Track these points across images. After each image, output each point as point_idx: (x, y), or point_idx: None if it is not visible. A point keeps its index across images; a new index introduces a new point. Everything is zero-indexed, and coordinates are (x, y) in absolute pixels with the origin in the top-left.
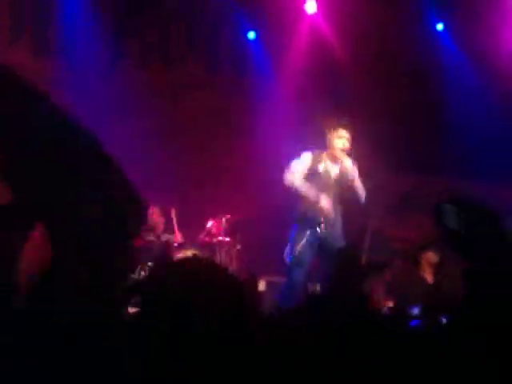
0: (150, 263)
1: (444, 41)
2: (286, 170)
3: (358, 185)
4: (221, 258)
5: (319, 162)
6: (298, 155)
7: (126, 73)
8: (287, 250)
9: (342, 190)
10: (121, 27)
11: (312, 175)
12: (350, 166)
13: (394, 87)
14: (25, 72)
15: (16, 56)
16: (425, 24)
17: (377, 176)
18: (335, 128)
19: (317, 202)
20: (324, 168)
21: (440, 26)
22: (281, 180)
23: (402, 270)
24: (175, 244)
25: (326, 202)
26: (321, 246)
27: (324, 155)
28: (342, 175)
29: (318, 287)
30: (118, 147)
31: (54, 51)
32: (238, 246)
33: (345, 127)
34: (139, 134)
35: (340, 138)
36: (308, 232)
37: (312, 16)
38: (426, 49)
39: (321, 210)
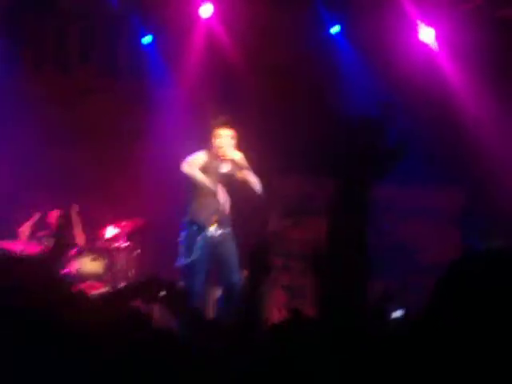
0: None
1: (340, 44)
2: (182, 162)
3: (250, 177)
4: (120, 263)
5: (210, 162)
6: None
7: (21, 79)
8: (180, 250)
9: (232, 188)
10: (14, 31)
11: (205, 171)
12: (237, 159)
13: (290, 92)
14: None
15: None
16: (321, 26)
17: (273, 178)
18: (214, 127)
19: (214, 193)
20: (214, 167)
21: (336, 29)
22: (178, 181)
23: (301, 273)
24: (74, 250)
25: (222, 193)
26: (215, 250)
27: (211, 154)
28: (230, 173)
29: (219, 292)
30: (12, 154)
31: None
32: (138, 251)
33: (223, 126)
34: (36, 139)
35: (219, 136)
36: (199, 238)
37: (207, 20)
38: (322, 52)
39: (216, 201)
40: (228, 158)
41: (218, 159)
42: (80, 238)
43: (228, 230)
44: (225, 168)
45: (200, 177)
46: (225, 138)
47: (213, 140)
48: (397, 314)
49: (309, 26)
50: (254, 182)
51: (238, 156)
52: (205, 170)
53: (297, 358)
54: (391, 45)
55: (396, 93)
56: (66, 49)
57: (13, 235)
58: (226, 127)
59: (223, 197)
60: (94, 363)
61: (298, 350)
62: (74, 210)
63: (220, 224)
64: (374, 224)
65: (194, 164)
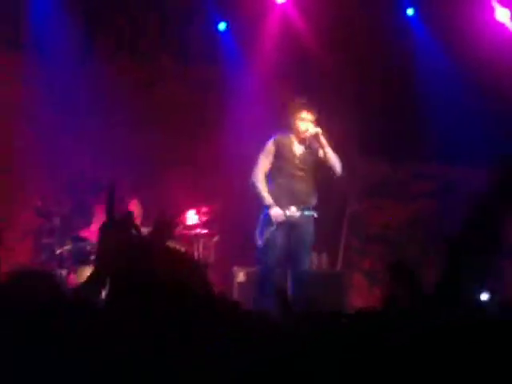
0: None
1: (415, 26)
2: (254, 167)
3: (330, 155)
4: (199, 250)
5: (284, 146)
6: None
7: (96, 66)
8: (257, 233)
9: (313, 170)
10: (90, 21)
11: (279, 161)
12: (319, 134)
13: (366, 75)
14: None
15: None
16: (396, 9)
17: (352, 161)
18: (297, 110)
19: (269, 207)
20: (289, 151)
21: (411, 11)
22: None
23: (380, 257)
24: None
25: (276, 212)
26: (292, 231)
27: (290, 138)
28: (309, 153)
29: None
30: (91, 140)
31: (24, 47)
32: (216, 238)
33: (307, 108)
34: (112, 126)
35: (302, 120)
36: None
37: (282, 5)
38: (397, 34)
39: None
40: (310, 134)
41: (298, 143)
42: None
43: (309, 212)
44: (299, 151)
45: (259, 191)
46: (306, 123)
47: (292, 124)
48: (484, 297)
49: (384, 8)
50: (335, 161)
51: (320, 131)
52: (276, 160)
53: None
54: (467, 25)
55: (471, 75)
56: (142, 36)
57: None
58: (308, 110)
59: (278, 212)
60: None
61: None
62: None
63: (300, 205)
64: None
65: (261, 169)
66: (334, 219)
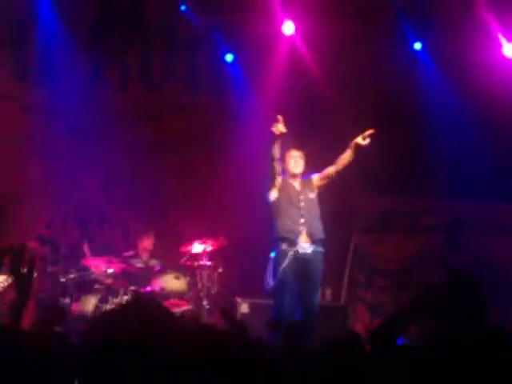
0: (132, 287)
1: (422, 60)
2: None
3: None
4: (203, 281)
5: (288, 183)
6: None
7: (106, 95)
8: (268, 273)
9: (317, 204)
10: (100, 50)
11: (284, 199)
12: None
13: (372, 109)
14: (5, 96)
15: None
16: (403, 43)
17: (356, 195)
18: (287, 149)
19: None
20: (290, 187)
21: (418, 46)
22: (261, 200)
23: (383, 290)
24: (157, 267)
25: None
26: (304, 268)
27: (285, 177)
28: (306, 185)
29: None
30: (98, 170)
31: (33, 75)
32: (220, 269)
33: (297, 148)
34: (120, 156)
35: (292, 157)
36: (290, 252)
37: (290, 37)
38: (404, 69)
39: (300, 212)
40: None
41: (292, 180)
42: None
43: (320, 248)
44: (297, 186)
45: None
46: (295, 159)
47: (284, 162)
48: None
49: (392, 42)
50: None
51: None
52: (286, 192)
53: None
54: (475, 61)
55: (477, 110)
56: (150, 67)
57: (99, 252)
58: (297, 149)
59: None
60: None
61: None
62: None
63: (311, 238)
64: (456, 241)
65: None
66: (338, 252)
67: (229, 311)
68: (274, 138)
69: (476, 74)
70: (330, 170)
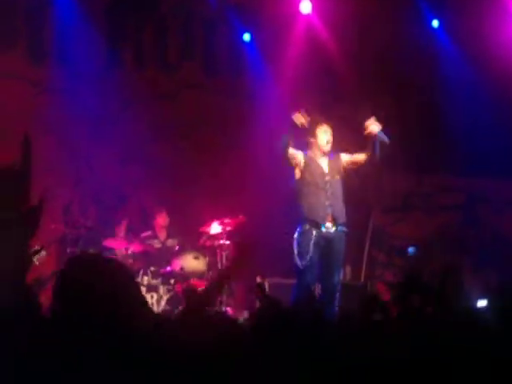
0: (152, 268)
1: (440, 38)
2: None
3: (355, 154)
4: (222, 261)
5: (312, 161)
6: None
7: (122, 76)
8: (296, 253)
9: (341, 184)
10: (115, 31)
11: (308, 177)
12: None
13: (391, 87)
14: (23, 80)
15: (12, 64)
16: (420, 21)
17: (377, 175)
18: (316, 125)
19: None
20: (317, 168)
21: (436, 23)
22: (279, 180)
23: (402, 269)
24: (177, 247)
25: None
26: (327, 247)
27: (314, 152)
28: (335, 165)
29: (319, 288)
30: (115, 151)
31: (49, 57)
32: None
33: (325, 121)
34: (137, 137)
35: (324, 132)
36: (314, 232)
37: (307, 16)
38: (421, 46)
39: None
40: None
41: (320, 156)
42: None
43: (342, 228)
44: (325, 165)
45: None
46: (327, 134)
47: (315, 138)
48: (482, 303)
49: (409, 20)
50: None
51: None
52: (310, 171)
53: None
54: (490, 36)
55: (497, 86)
56: (167, 47)
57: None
58: (324, 122)
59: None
60: None
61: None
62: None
63: (335, 221)
64: (475, 219)
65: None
66: (358, 232)
67: (262, 286)
68: (292, 126)
69: (493, 51)
70: (360, 157)
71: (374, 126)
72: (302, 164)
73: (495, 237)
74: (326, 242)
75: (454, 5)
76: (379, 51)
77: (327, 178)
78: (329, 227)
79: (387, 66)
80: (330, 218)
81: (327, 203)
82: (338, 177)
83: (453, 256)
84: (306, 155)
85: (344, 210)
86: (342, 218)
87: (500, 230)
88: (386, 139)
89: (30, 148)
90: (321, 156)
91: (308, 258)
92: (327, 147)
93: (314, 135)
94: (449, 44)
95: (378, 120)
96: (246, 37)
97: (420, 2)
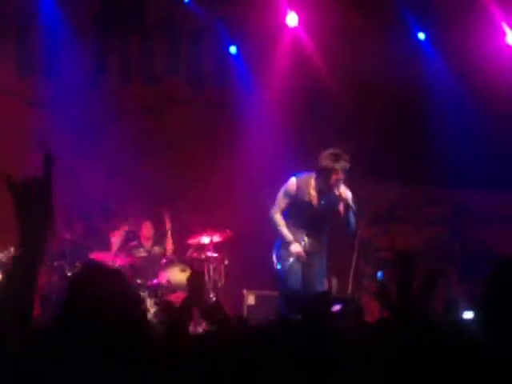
0: (138, 281)
1: (426, 50)
2: (271, 208)
3: (351, 218)
4: (209, 273)
5: (305, 189)
6: (282, 172)
7: (108, 89)
8: (275, 257)
9: (327, 221)
10: (102, 44)
11: (297, 202)
12: (345, 198)
13: (377, 99)
14: (9, 92)
15: (0, 78)
16: (407, 34)
17: (363, 186)
18: (332, 161)
19: (289, 243)
20: (309, 198)
21: (422, 36)
22: (265, 194)
23: (391, 281)
24: (164, 260)
25: (296, 248)
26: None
27: (312, 183)
28: (330, 208)
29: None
30: (103, 162)
31: (35, 71)
32: (226, 262)
33: (341, 159)
34: (124, 149)
35: (338, 173)
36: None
37: (293, 29)
38: (407, 59)
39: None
40: (340, 195)
41: (319, 189)
42: (169, 247)
43: (321, 241)
44: (320, 201)
45: (279, 227)
46: (341, 173)
47: (324, 173)
48: (468, 314)
49: (395, 33)
50: (352, 222)
51: (349, 196)
52: (294, 200)
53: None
54: (479, 50)
55: (482, 99)
56: (153, 60)
57: (105, 246)
58: (342, 161)
59: (298, 248)
60: None
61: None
62: (167, 216)
63: (312, 236)
64: (461, 231)
65: (280, 205)
66: (345, 244)
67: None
68: None
69: (480, 63)
70: None
71: (343, 191)
72: (293, 194)
73: (481, 249)
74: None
75: (440, 18)
76: (365, 64)
77: (315, 212)
78: (305, 241)
79: (373, 78)
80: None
81: (296, 251)
82: (324, 216)
83: (438, 267)
84: (297, 182)
85: (325, 233)
86: (320, 235)
87: (486, 242)
88: (352, 208)
89: (52, 162)
90: (322, 189)
91: (288, 263)
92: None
93: (327, 169)
94: (435, 56)
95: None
96: (233, 49)
97: (406, 15)
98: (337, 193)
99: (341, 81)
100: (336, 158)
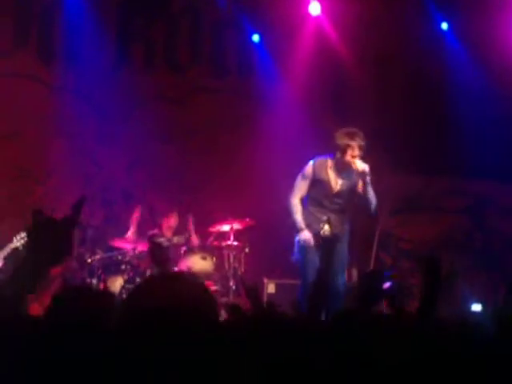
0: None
1: (449, 40)
2: (290, 193)
3: (370, 195)
4: (229, 261)
5: (322, 170)
6: (305, 161)
7: (131, 77)
8: (295, 250)
9: (348, 199)
10: (125, 31)
11: (315, 184)
12: (362, 170)
13: (399, 88)
14: (31, 76)
15: (21, 62)
16: (429, 23)
17: (383, 177)
18: (347, 138)
19: (300, 230)
20: (327, 177)
21: (445, 26)
22: (287, 182)
23: (410, 271)
24: (184, 248)
25: (305, 236)
26: (324, 247)
27: (329, 163)
28: (349, 186)
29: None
30: (124, 151)
31: (58, 56)
32: (247, 250)
33: (356, 136)
34: (146, 137)
35: (354, 149)
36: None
37: (316, 18)
38: (430, 48)
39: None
40: (357, 170)
41: (337, 170)
42: (195, 242)
43: (342, 230)
44: (339, 181)
45: (293, 215)
46: (355, 149)
47: (340, 150)
48: (477, 307)
49: (417, 22)
50: (373, 200)
51: (366, 168)
52: (313, 182)
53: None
54: (500, 41)
55: (503, 89)
56: (177, 47)
57: (126, 233)
58: (358, 138)
59: (307, 236)
60: None
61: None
62: (191, 218)
63: (333, 224)
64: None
65: (297, 192)
66: (365, 234)
67: (254, 291)
68: None
69: (502, 54)
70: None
71: (360, 164)
72: (311, 177)
73: (501, 240)
74: (324, 242)
75: (463, 7)
76: (388, 52)
77: (334, 195)
78: (326, 230)
79: (396, 67)
80: (327, 223)
81: (306, 238)
82: (345, 197)
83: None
84: (315, 165)
85: (346, 224)
86: (342, 224)
87: (506, 233)
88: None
89: (83, 203)
90: (340, 169)
91: (303, 252)
92: (348, 163)
93: (340, 149)
94: (458, 45)
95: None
96: (256, 38)
97: (429, 5)
98: (354, 167)
99: (363, 70)
100: (351, 135)
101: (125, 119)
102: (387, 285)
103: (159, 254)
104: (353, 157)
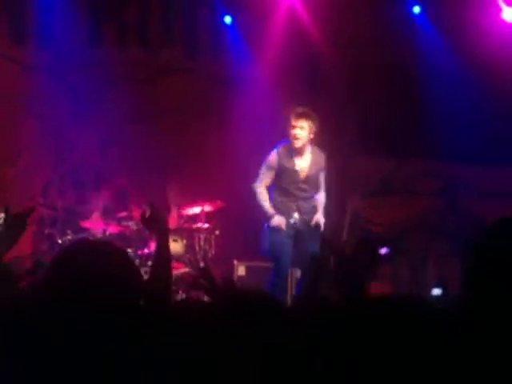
0: (129, 250)
1: (421, 24)
2: (255, 182)
3: (321, 180)
4: (200, 244)
5: (286, 157)
6: (277, 144)
7: (104, 57)
8: (263, 242)
9: (316, 182)
10: (98, 11)
11: (281, 173)
12: (314, 157)
13: (373, 70)
14: (4, 58)
15: None
16: (401, 6)
17: (356, 159)
18: (288, 117)
19: (270, 217)
20: (292, 164)
21: (417, 9)
22: (258, 165)
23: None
24: None
25: (278, 220)
26: (296, 236)
27: (290, 148)
28: (309, 166)
29: (298, 273)
30: (96, 132)
31: (31, 35)
32: (217, 232)
33: (298, 116)
34: (118, 118)
35: (293, 127)
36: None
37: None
38: (403, 32)
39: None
40: (301, 150)
41: (296, 153)
42: (173, 222)
43: (311, 216)
44: (299, 163)
45: (260, 202)
46: (295, 130)
47: (289, 130)
48: (436, 291)
49: (390, 5)
50: (322, 184)
51: (314, 152)
52: (278, 170)
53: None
54: (473, 25)
55: (476, 73)
56: (149, 27)
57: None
58: (299, 118)
59: (279, 221)
60: None
61: None
62: (173, 193)
63: (303, 211)
64: (454, 204)
65: (263, 179)
66: (335, 217)
67: (206, 271)
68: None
69: (475, 38)
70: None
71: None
72: (275, 166)
73: (474, 224)
74: (295, 229)
75: None
76: (360, 34)
77: (299, 180)
78: (295, 217)
79: (369, 49)
80: (296, 210)
81: (297, 206)
82: (311, 181)
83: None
84: (279, 153)
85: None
86: (311, 210)
87: (479, 217)
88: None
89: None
90: (297, 152)
91: (275, 246)
92: (294, 143)
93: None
94: (431, 29)
95: None
96: (227, 19)
97: None
98: (296, 146)
99: (337, 52)
100: (298, 115)
101: (97, 100)
102: (384, 250)
103: None
104: (294, 136)
